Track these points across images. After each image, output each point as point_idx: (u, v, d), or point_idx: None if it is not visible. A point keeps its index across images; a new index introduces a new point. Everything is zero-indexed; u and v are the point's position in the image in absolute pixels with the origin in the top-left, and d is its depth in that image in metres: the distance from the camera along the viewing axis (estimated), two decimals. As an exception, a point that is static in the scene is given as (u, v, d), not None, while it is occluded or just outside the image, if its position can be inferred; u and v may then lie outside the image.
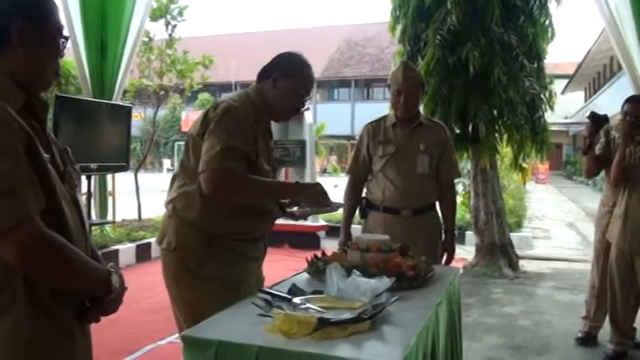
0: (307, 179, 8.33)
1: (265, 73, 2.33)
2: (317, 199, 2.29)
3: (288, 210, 2.39)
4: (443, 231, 3.36)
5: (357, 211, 3.46)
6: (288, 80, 2.29)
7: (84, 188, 6.02)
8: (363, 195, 3.43)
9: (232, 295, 2.12)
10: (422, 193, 3.26)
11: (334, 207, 2.44)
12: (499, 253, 6.77)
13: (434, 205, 3.36)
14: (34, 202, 1.24)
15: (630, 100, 3.90)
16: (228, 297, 2.08)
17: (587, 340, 4.21)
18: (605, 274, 3.99)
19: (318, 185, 2.34)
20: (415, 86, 3.25)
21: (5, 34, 1.30)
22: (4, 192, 1.19)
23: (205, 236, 2.20)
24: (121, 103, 7.26)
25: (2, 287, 1.26)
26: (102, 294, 1.41)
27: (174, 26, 9.01)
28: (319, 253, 2.54)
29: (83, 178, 5.45)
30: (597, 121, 3.94)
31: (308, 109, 8.49)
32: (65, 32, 1.43)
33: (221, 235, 2.22)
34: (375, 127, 3.37)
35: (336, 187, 19.67)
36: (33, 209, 1.23)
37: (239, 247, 2.27)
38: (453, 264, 3.44)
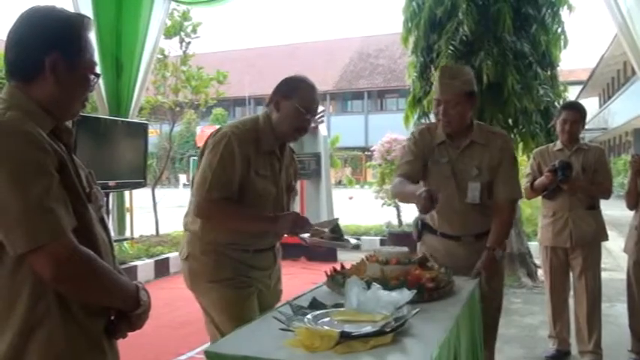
0: (323, 191, 8.34)
1: (270, 98, 2.45)
2: (291, 227, 2.36)
3: (300, 236, 2.44)
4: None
5: (414, 232, 3.04)
6: (287, 101, 2.39)
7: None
8: (419, 215, 2.94)
9: (241, 294, 2.36)
10: (480, 220, 2.82)
11: (349, 245, 2.55)
12: (517, 262, 6.71)
13: None
14: (68, 220, 1.30)
15: (567, 107, 4.00)
16: (236, 298, 2.35)
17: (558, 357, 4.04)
18: (554, 289, 3.99)
19: (291, 214, 2.42)
20: (456, 95, 2.73)
21: (40, 65, 1.38)
22: (40, 210, 1.26)
23: (208, 247, 2.40)
24: (137, 121, 7.33)
25: (36, 301, 1.32)
26: (131, 308, 1.46)
27: (189, 43, 9.10)
28: (337, 266, 2.54)
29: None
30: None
31: (322, 121, 8.52)
32: (97, 70, 1.51)
33: (222, 245, 2.39)
34: (427, 137, 2.88)
35: (351, 198, 19.51)
36: (67, 226, 1.29)
37: (242, 257, 2.42)
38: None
